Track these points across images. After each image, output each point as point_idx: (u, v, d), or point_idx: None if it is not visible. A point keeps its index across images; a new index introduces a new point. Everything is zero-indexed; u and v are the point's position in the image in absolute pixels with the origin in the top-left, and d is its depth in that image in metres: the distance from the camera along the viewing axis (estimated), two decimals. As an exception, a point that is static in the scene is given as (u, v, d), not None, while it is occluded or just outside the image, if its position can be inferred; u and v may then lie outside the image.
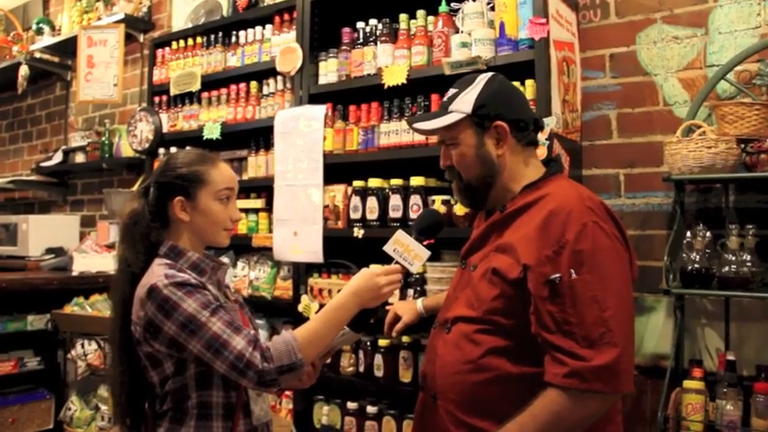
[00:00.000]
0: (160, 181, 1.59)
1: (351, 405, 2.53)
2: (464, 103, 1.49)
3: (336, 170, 2.67)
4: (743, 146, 2.01)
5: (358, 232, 2.52)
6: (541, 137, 1.92)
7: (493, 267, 1.42)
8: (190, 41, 3.35)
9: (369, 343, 2.50)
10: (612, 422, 1.44)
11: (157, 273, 1.48)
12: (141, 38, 4.24)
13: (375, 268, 1.58)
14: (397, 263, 1.55)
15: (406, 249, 1.50)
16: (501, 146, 1.49)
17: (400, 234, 1.53)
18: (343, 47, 2.70)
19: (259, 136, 3.00)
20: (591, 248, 1.32)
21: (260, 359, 1.39)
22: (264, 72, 2.98)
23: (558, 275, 1.32)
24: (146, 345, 1.48)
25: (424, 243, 1.58)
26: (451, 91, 1.55)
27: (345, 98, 2.71)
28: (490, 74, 1.55)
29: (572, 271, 1.31)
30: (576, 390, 1.29)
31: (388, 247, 1.55)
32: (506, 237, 1.44)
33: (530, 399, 1.34)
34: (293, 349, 1.43)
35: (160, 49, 3.51)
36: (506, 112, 1.49)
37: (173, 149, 3.27)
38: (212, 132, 3.12)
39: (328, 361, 2.50)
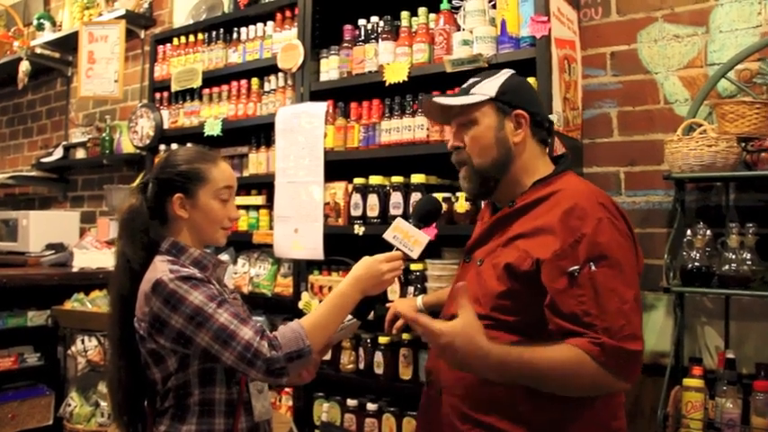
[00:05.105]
0: (160, 177, 1.59)
1: (351, 402, 2.53)
2: (487, 88, 1.52)
3: (337, 167, 2.67)
4: (743, 144, 2.01)
5: (359, 229, 2.52)
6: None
7: (501, 263, 1.41)
8: (191, 38, 3.35)
9: (369, 340, 2.50)
10: (616, 417, 1.45)
11: (161, 268, 1.47)
12: (142, 34, 4.24)
13: (377, 255, 1.58)
14: (397, 249, 1.56)
15: (406, 236, 1.50)
16: (519, 133, 1.50)
17: (399, 221, 1.54)
18: (345, 44, 2.70)
19: (260, 133, 3.00)
20: (608, 243, 1.33)
21: (268, 348, 1.38)
22: (266, 69, 2.98)
23: (576, 267, 1.31)
24: (150, 341, 1.47)
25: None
26: (472, 80, 1.57)
27: (347, 95, 2.71)
28: (512, 70, 1.59)
29: (591, 264, 1.31)
30: (596, 358, 1.27)
31: (387, 234, 1.56)
32: (516, 231, 1.44)
33: (535, 394, 1.34)
34: (301, 336, 1.42)
35: (161, 46, 3.51)
36: (527, 105, 1.52)
37: (173, 146, 3.27)
38: (213, 129, 3.12)
39: (327, 357, 2.51)
